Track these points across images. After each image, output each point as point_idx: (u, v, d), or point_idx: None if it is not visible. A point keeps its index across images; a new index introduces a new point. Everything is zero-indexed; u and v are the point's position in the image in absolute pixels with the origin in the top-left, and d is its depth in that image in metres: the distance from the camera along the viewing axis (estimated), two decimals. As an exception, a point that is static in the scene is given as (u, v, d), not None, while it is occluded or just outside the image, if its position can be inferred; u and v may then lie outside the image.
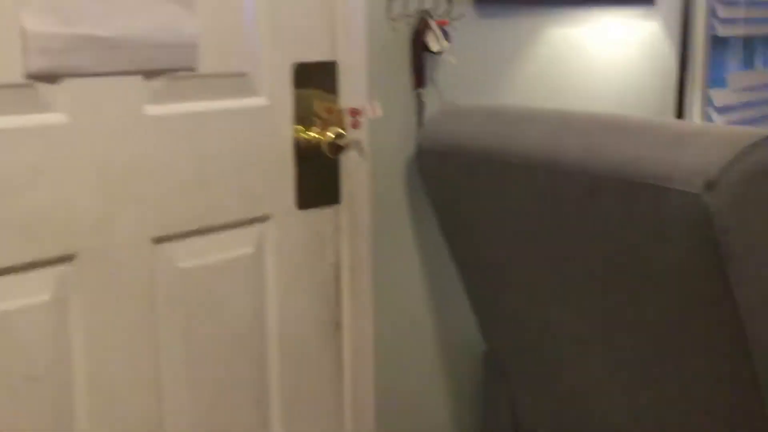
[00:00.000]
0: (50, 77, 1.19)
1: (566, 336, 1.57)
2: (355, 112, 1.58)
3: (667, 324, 1.38)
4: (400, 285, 1.76)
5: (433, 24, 1.72)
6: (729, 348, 1.31)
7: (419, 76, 1.73)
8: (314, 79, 1.54)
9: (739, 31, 2.73)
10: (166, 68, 1.31)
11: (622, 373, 1.51)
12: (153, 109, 1.30)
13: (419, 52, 1.72)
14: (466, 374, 1.94)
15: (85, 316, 1.26)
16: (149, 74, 1.29)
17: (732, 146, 1.25)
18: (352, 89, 1.59)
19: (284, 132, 1.49)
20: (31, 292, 1.20)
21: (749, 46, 2.98)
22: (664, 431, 1.50)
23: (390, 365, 1.76)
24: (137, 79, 1.28)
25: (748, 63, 2.96)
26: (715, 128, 1.37)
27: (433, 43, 1.72)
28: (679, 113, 2.20)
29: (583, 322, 1.52)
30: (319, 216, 1.57)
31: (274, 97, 1.47)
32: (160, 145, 1.32)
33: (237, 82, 1.42)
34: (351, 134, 1.59)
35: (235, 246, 1.45)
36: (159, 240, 1.33)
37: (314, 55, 1.53)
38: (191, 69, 1.34)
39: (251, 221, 1.47)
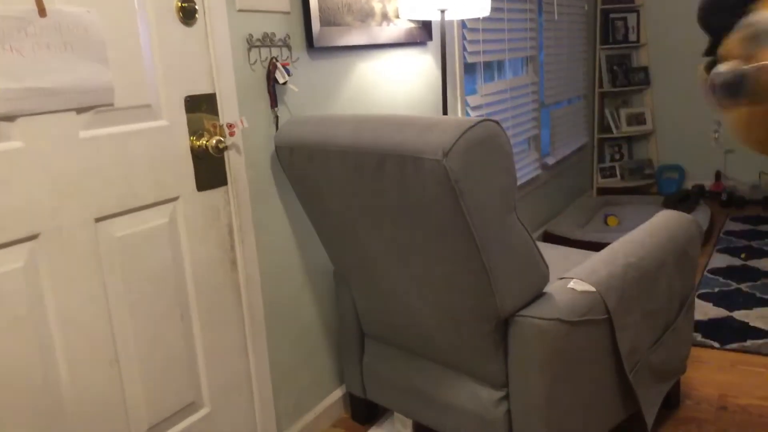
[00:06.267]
0: (9, 117, 1.12)
1: (377, 256, 1.61)
2: (230, 126, 1.56)
3: (432, 240, 1.42)
4: (273, 233, 1.77)
5: (279, 65, 1.71)
6: (467, 250, 1.37)
7: (273, 100, 1.72)
8: (201, 105, 1.51)
9: (479, 58, 2.82)
10: (92, 105, 1.26)
11: (410, 275, 1.55)
12: (85, 133, 1.25)
13: (272, 84, 1.71)
14: (324, 286, 1.96)
15: (52, 274, 1.21)
16: (80, 110, 1.24)
17: (459, 129, 1.29)
18: (228, 110, 1.57)
19: (182, 142, 1.46)
20: (10, 261, 1.15)
21: (489, 67, 3.07)
22: (439, 308, 1.55)
23: (271, 285, 1.77)
24: (72, 114, 1.23)
25: (489, 78, 3.06)
26: (453, 119, 1.39)
27: (280, 77, 1.71)
28: (444, 112, 2.26)
29: (385, 247, 1.55)
30: (213, 194, 1.55)
31: (172, 120, 1.43)
32: (92, 157, 1.27)
33: (144, 111, 1.37)
34: (229, 140, 1.57)
35: (156, 218, 1.41)
36: (99, 219, 1.29)
37: (200, 89, 1.50)
38: (110, 104, 1.29)
39: (165, 201, 1.44)
